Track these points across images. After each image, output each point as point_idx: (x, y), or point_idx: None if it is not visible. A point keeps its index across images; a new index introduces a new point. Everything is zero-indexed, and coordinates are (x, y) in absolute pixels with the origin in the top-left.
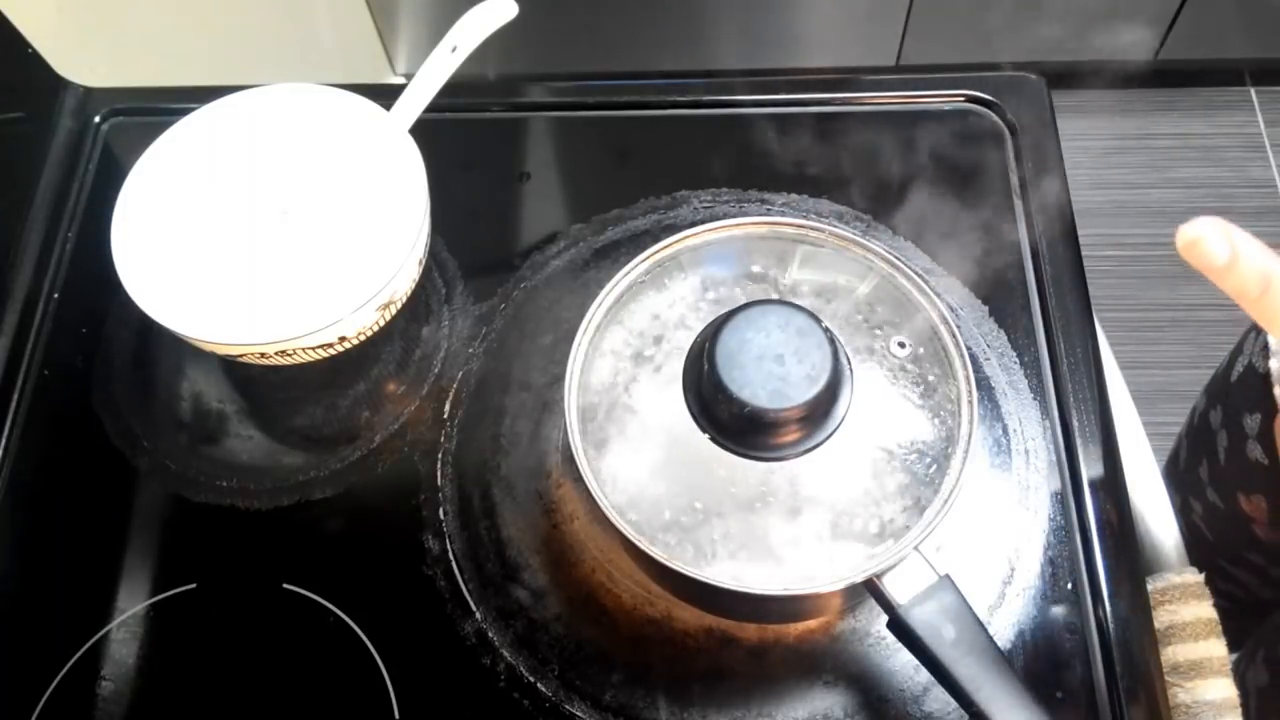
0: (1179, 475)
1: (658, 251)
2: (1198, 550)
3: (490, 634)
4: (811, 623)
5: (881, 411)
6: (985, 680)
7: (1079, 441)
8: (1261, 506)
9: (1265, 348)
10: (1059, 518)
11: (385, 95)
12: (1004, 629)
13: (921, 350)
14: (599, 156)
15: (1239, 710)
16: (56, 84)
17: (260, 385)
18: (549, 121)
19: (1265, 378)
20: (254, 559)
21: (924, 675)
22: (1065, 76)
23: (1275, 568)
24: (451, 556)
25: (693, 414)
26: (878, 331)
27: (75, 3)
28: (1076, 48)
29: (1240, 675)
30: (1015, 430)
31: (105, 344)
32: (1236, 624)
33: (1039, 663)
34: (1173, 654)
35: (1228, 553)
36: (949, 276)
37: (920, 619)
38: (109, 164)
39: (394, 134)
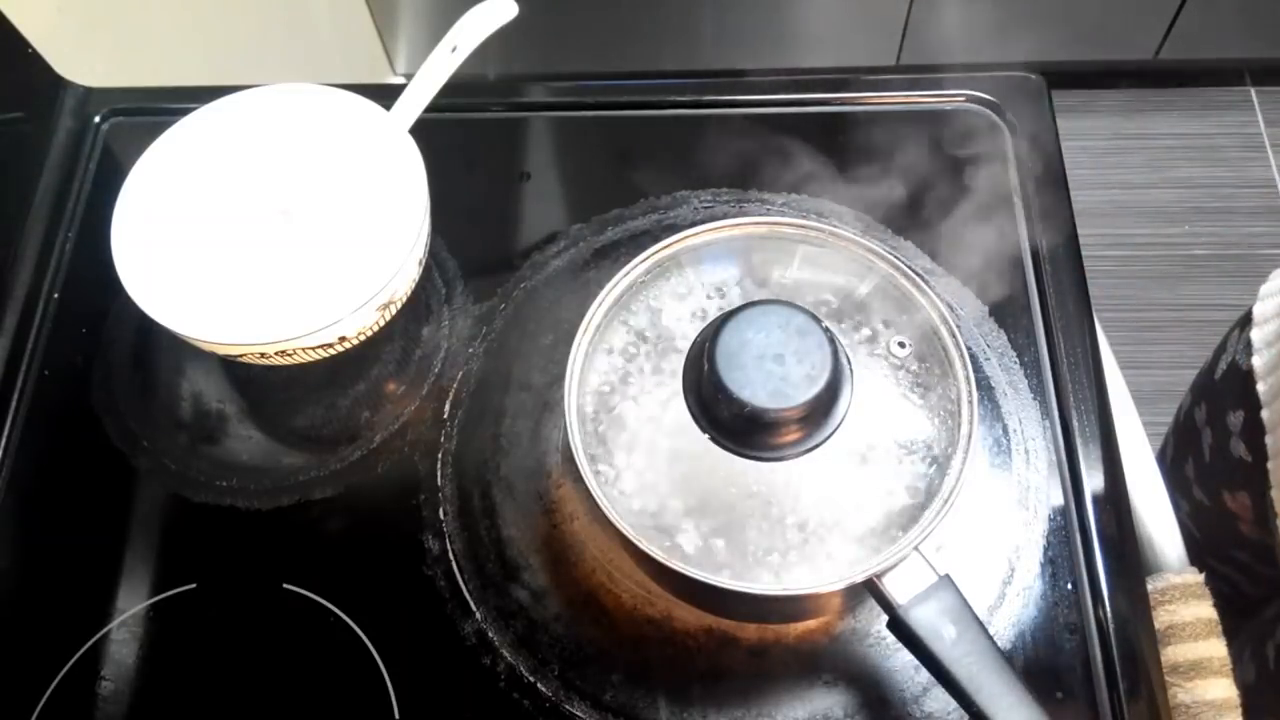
0: (1166, 473)
1: (658, 251)
2: (1186, 549)
3: (490, 634)
4: (811, 623)
5: (882, 411)
6: (985, 680)
7: (1079, 441)
8: (1246, 504)
9: (1248, 345)
10: (1059, 517)
11: (385, 95)
12: (1004, 629)
13: (921, 350)
14: (599, 156)
15: (1239, 710)
16: (56, 84)
17: (260, 385)
18: (549, 121)
19: (1248, 374)
20: (254, 559)
21: (924, 675)
22: (1065, 76)
23: (1261, 565)
24: (451, 556)
25: (693, 414)
26: (878, 331)
27: (75, 3)
28: (1076, 48)
29: None
30: (1015, 430)
31: (105, 344)
32: (1225, 622)
33: (1039, 663)
34: (1173, 654)
35: (1214, 550)
36: (949, 276)
37: (920, 619)
38: (109, 164)
39: (394, 134)
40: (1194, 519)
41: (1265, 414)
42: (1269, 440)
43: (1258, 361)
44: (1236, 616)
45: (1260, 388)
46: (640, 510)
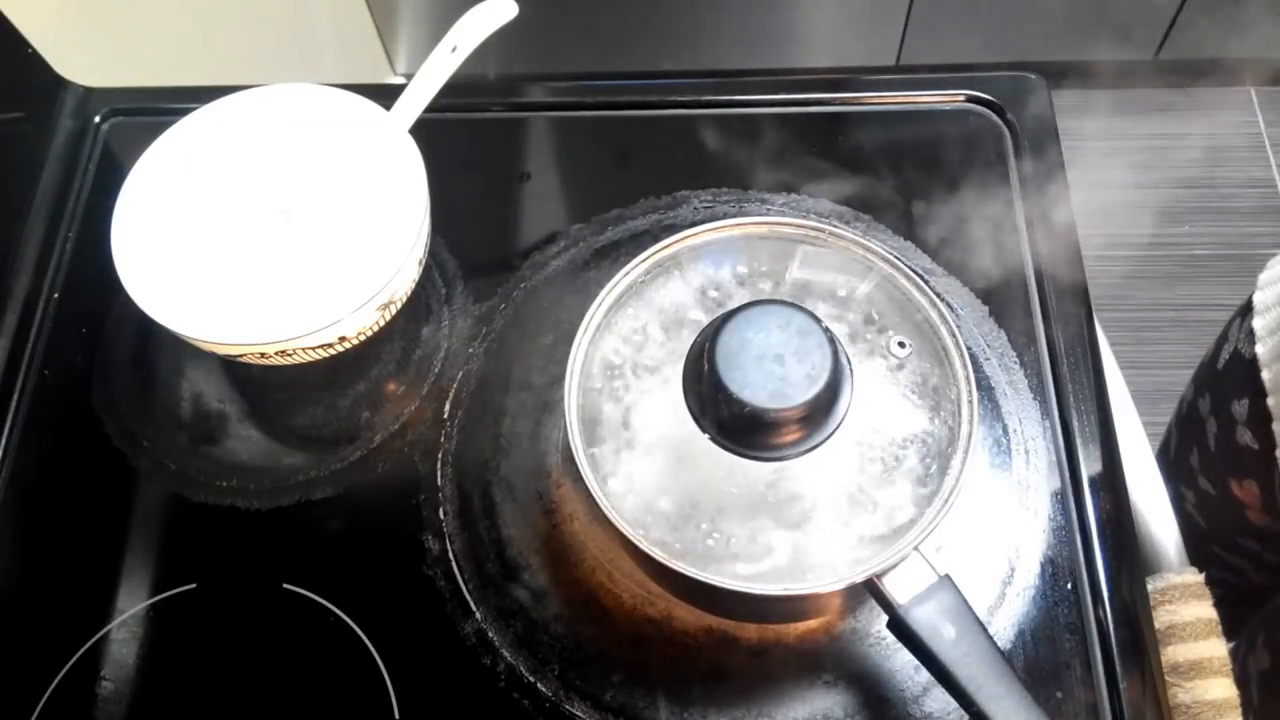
0: (1170, 465)
1: (658, 251)
2: (1191, 539)
3: (490, 634)
4: (811, 623)
5: (882, 411)
6: (985, 680)
7: (1079, 441)
8: (1253, 491)
9: (1250, 333)
10: (1059, 517)
11: (385, 95)
12: (1004, 629)
13: (921, 350)
14: (599, 156)
15: (1239, 710)
16: (56, 84)
17: (260, 385)
18: (549, 121)
19: (1252, 363)
20: (254, 559)
21: (924, 675)
22: (1065, 76)
23: (1269, 552)
24: (451, 556)
25: (693, 414)
26: (878, 331)
27: (75, 3)
28: (1076, 48)
29: (1240, 661)
30: (1015, 430)
31: (105, 344)
32: (1232, 611)
33: (1039, 663)
34: (1173, 654)
35: (1221, 540)
36: (949, 276)
37: (920, 619)
38: (109, 164)
39: (394, 134)
40: (1200, 509)
41: (1271, 401)
42: (1276, 427)
43: (1261, 349)
44: (1244, 606)
45: (1265, 375)
46: (640, 510)
